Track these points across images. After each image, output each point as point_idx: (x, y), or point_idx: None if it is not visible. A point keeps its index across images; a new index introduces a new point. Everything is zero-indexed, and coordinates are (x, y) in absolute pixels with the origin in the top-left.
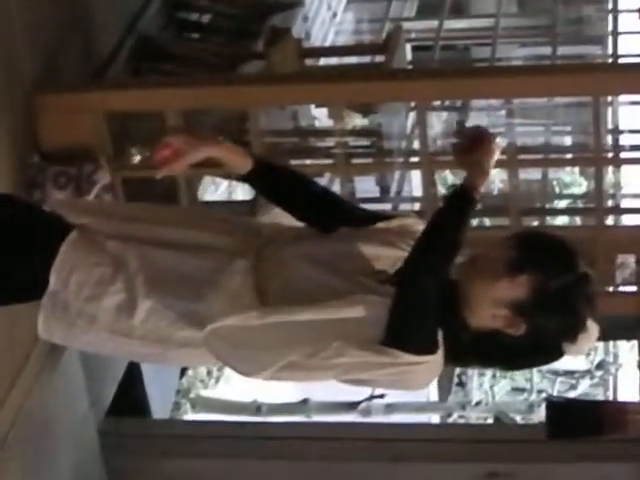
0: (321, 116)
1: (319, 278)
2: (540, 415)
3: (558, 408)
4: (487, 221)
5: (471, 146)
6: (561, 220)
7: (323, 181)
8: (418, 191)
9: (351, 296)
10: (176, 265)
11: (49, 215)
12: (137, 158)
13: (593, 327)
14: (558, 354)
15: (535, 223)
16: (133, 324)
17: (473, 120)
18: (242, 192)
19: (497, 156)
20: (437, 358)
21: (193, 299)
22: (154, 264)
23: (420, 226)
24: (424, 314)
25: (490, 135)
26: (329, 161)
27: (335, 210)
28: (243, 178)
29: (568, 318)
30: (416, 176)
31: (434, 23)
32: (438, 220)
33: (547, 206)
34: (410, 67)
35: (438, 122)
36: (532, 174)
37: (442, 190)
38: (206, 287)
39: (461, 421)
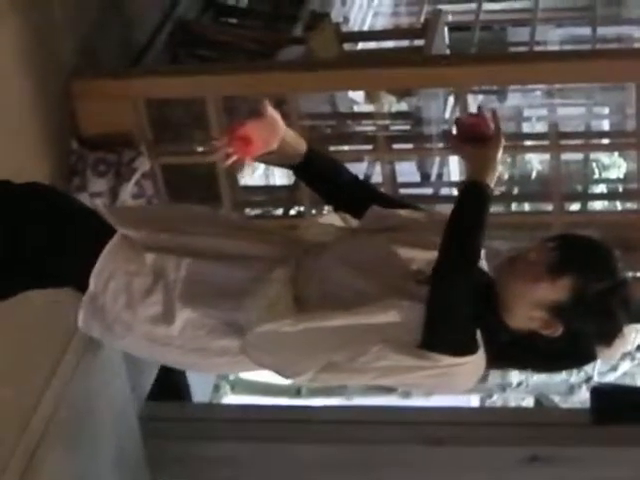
0: (358, 98)
1: (356, 285)
2: (580, 397)
3: (603, 395)
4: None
5: (472, 135)
6: (600, 205)
7: (363, 166)
8: (456, 176)
9: (386, 301)
10: (215, 275)
11: (88, 211)
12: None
13: (629, 332)
14: (591, 358)
15: (576, 208)
16: (171, 334)
17: (510, 101)
18: (280, 176)
19: (503, 145)
20: (478, 358)
21: (232, 308)
22: (193, 275)
23: None
24: (458, 315)
25: (497, 124)
26: (369, 146)
27: (369, 196)
28: (292, 167)
29: (606, 322)
30: (454, 161)
31: (471, 5)
32: (457, 221)
33: (588, 190)
34: (449, 51)
35: (474, 104)
36: (572, 156)
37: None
38: (244, 296)
39: (500, 402)
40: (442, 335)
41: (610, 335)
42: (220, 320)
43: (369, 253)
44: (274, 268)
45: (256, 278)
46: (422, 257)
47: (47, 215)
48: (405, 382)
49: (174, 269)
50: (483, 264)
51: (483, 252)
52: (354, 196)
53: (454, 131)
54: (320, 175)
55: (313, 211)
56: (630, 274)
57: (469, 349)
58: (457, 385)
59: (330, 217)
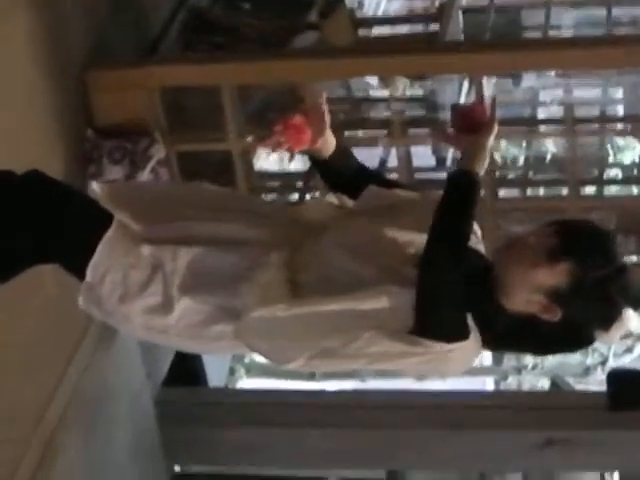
0: (373, 82)
1: (352, 268)
2: (596, 378)
3: (620, 380)
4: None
5: (469, 124)
6: (616, 189)
7: (379, 150)
8: None
9: (378, 287)
10: (211, 262)
11: (86, 200)
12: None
13: (627, 317)
14: (590, 341)
15: (591, 191)
16: (169, 322)
17: (525, 82)
18: (295, 161)
19: (495, 134)
20: (470, 343)
21: (228, 294)
22: (190, 264)
23: None
24: (447, 302)
25: (491, 112)
26: (384, 131)
27: (367, 179)
28: (317, 161)
29: (604, 308)
30: None
31: None
32: (444, 210)
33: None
34: (463, 35)
35: (488, 86)
36: (587, 138)
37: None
38: (241, 281)
39: (515, 384)
40: (432, 321)
41: (609, 320)
42: (217, 306)
43: (366, 237)
44: (270, 252)
45: (252, 263)
46: (420, 240)
47: (45, 205)
48: (397, 367)
49: (171, 259)
50: (481, 247)
51: (480, 234)
52: (355, 182)
53: (450, 119)
54: (336, 172)
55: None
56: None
57: (460, 335)
58: (450, 369)
59: (327, 197)
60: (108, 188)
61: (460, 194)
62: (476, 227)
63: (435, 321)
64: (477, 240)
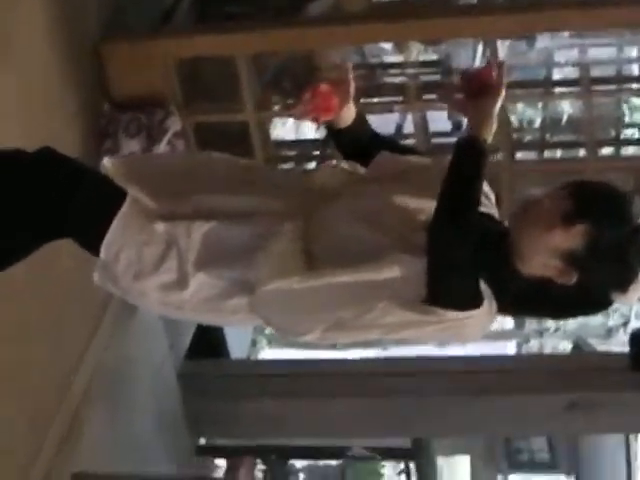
0: (387, 47)
1: (364, 236)
2: (619, 339)
3: None
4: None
5: (478, 89)
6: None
7: (395, 116)
8: None
9: (390, 256)
10: (225, 235)
11: (99, 177)
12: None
13: None
14: (607, 304)
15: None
16: (184, 298)
17: (540, 43)
18: (311, 129)
19: (502, 98)
20: (483, 311)
21: (243, 266)
22: (204, 238)
23: None
24: (458, 270)
25: (499, 76)
26: (399, 97)
27: (380, 146)
28: (334, 129)
29: (620, 269)
30: None
31: None
32: (452, 178)
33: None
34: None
35: (502, 48)
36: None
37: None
38: (255, 253)
39: (537, 347)
40: (444, 290)
41: (625, 282)
42: (232, 280)
43: (377, 204)
44: (283, 223)
45: (266, 234)
46: (431, 207)
47: (57, 182)
48: (413, 337)
49: (185, 235)
50: (495, 212)
51: (494, 198)
52: (369, 149)
53: (459, 84)
54: (353, 140)
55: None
56: None
57: (473, 303)
58: (467, 336)
59: (340, 164)
60: (119, 163)
61: (467, 161)
62: (489, 191)
63: (446, 290)
64: (491, 205)
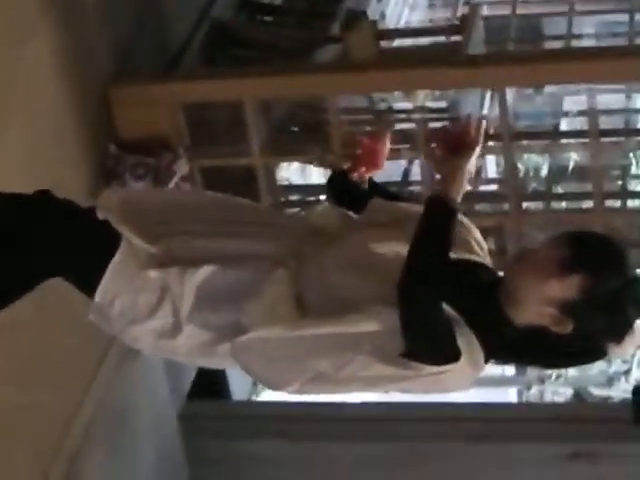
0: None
1: (353, 284)
2: (620, 387)
3: None
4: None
5: (454, 145)
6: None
7: (402, 163)
8: (494, 173)
9: (369, 308)
10: (218, 281)
11: (95, 219)
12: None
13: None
14: (601, 355)
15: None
16: (177, 344)
17: (547, 88)
18: (317, 174)
19: (475, 157)
20: (465, 362)
21: (235, 311)
22: (196, 284)
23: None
24: (430, 327)
25: (475, 133)
26: (407, 145)
27: (372, 195)
28: (339, 176)
29: (616, 320)
30: (491, 159)
31: None
32: (420, 237)
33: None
34: (485, 47)
35: (510, 93)
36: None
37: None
38: (247, 298)
39: (538, 395)
40: (418, 346)
41: (620, 333)
42: (224, 325)
43: (368, 251)
44: (276, 268)
45: (257, 279)
46: None
47: (53, 225)
48: (392, 390)
49: (178, 282)
50: (487, 260)
51: (486, 248)
52: (363, 197)
53: (437, 139)
54: (352, 187)
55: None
56: None
57: (449, 358)
58: (450, 388)
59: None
60: (114, 202)
61: (436, 220)
62: (482, 240)
63: (421, 346)
64: (484, 253)
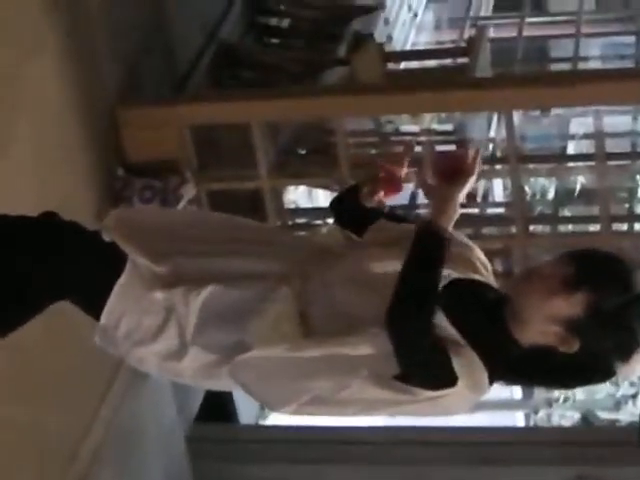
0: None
1: (356, 301)
2: (627, 412)
3: None
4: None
5: (449, 173)
6: None
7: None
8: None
9: (366, 331)
10: (223, 301)
11: (100, 241)
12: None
13: None
14: (610, 374)
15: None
16: (183, 366)
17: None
18: (324, 196)
19: (469, 186)
20: (465, 385)
21: (239, 331)
22: (201, 305)
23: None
24: (422, 355)
25: (472, 163)
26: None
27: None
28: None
29: (622, 338)
30: (498, 182)
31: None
32: (410, 266)
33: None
34: (492, 69)
35: (516, 115)
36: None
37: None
38: (251, 317)
39: (546, 418)
40: (412, 372)
41: (628, 351)
42: (228, 346)
43: (372, 269)
44: (281, 286)
45: (261, 297)
46: None
47: (59, 247)
48: (392, 413)
49: (183, 303)
50: (492, 280)
51: (490, 267)
52: (368, 218)
53: (432, 166)
54: (359, 209)
55: None
56: None
57: (444, 383)
58: (451, 411)
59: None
60: (120, 220)
61: (426, 249)
62: (485, 260)
63: (415, 372)
64: (488, 273)
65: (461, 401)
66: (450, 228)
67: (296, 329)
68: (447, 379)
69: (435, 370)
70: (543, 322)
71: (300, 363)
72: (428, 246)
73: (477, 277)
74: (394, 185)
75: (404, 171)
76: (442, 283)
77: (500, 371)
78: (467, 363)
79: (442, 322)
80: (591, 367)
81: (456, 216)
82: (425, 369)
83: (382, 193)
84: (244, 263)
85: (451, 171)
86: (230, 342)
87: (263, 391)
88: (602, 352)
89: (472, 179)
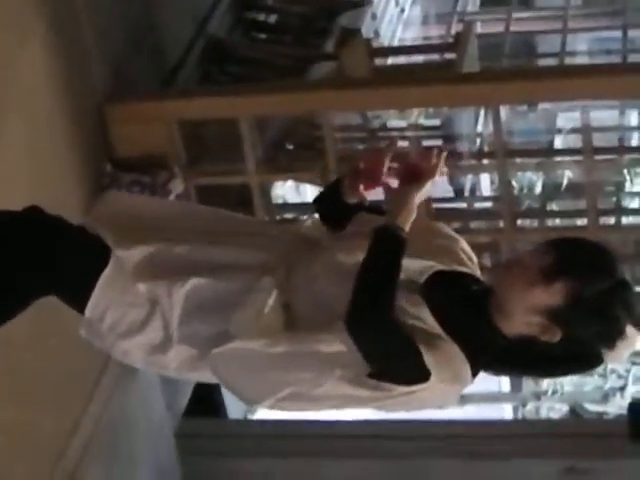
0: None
1: (338, 294)
2: (615, 404)
3: None
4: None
5: (410, 175)
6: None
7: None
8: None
9: (338, 329)
10: (206, 293)
11: (84, 234)
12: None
13: (633, 333)
14: (596, 361)
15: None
16: (168, 358)
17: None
18: (311, 191)
19: (428, 188)
20: (442, 378)
21: (223, 322)
22: (184, 297)
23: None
24: (387, 353)
25: (433, 166)
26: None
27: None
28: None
29: (605, 325)
30: (485, 177)
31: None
32: (367, 267)
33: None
34: (479, 65)
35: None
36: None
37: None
38: (234, 309)
39: (534, 411)
40: (380, 368)
41: (611, 338)
42: (212, 337)
43: (354, 260)
44: (264, 277)
45: (245, 288)
46: (411, 266)
47: (43, 241)
48: (367, 409)
49: (167, 295)
50: (477, 273)
51: (475, 259)
52: (351, 212)
53: (396, 167)
54: (344, 204)
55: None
56: None
57: (416, 378)
58: (428, 404)
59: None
60: (103, 215)
61: (383, 250)
62: (470, 252)
63: (385, 369)
64: (474, 266)
65: (439, 394)
66: (407, 227)
67: (279, 320)
68: (419, 374)
69: (403, 367)
70: (525, 313)
71: (277, 358)
72: (382, 245)
73: (462, 269)
74: (374, 179)
75: (386, 165)
76: (426, 275)
77: (485, 362)
78: (444, 356)
79: (423, 314)
80: (576, 355)
81: (412, 217)
82: (393, 366)
83: (362, 187)
84: (229, 254)
85: (411, 173)
86: (214, 333)
87: (240, 385)
88: (586, 340)
89: (431, 181)
